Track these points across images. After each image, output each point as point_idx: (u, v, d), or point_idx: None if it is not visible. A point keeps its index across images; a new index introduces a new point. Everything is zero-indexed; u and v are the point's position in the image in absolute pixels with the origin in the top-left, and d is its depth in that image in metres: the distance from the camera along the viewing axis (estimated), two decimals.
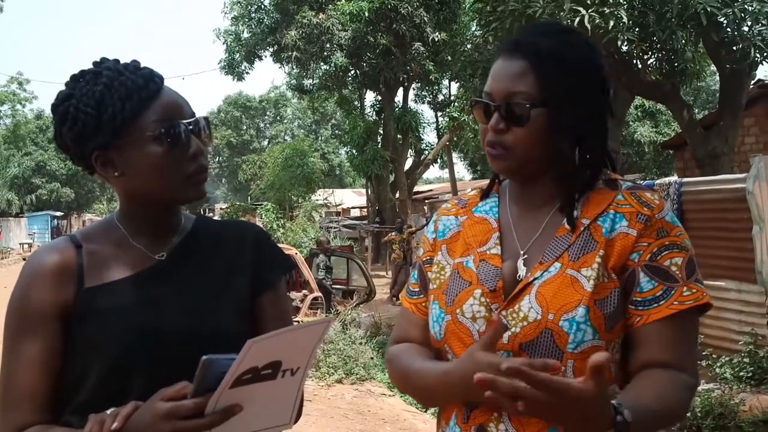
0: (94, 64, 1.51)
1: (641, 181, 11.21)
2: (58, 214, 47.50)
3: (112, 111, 1.42)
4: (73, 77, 1.50)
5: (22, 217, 46.76)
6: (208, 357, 1.17)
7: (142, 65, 1.52)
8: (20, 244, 40.51)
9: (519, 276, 1.45)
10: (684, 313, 1.38)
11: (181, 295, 1.49)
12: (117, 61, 1.52)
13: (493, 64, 1.51)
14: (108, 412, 1.26)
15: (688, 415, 5.71)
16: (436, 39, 22.61)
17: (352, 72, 24.91)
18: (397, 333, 1.68)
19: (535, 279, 1.42)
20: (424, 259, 1.66)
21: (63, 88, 1.49)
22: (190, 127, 1.48)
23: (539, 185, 1.51)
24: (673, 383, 1.35)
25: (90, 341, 1.42)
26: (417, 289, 1.66)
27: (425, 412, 7.22)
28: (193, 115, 1.51)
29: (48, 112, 1.56)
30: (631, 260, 1.41)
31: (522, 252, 1.48)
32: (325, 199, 29.71)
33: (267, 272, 1.61)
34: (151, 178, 1.46)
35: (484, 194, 1.64)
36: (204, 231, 1.62)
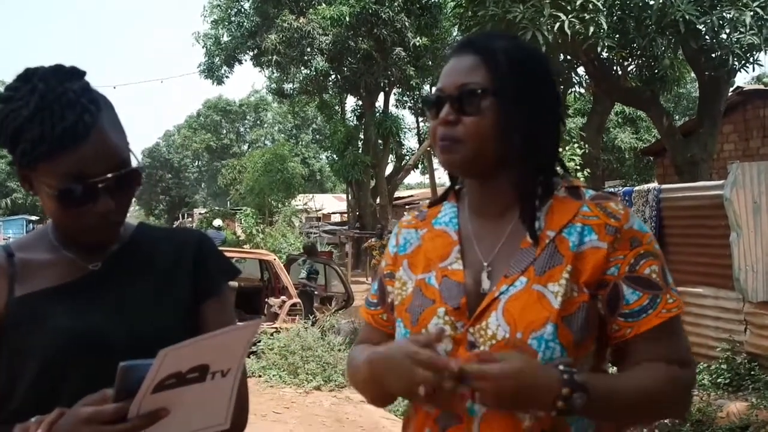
0: (40, 75, 1.38)
1: (621, 188, 11.28)
2: (34, 218, 46.86)
3: (23, 148, 1.35)
4: (22, 77, 1.39)
5: None
6: (125, 364, 1.18)
7: (88, 89, 1.40)
8: None
9: (483, 289, 1.42)
10: (671, 319, 1.39)
11: (115, 303, 1.47)
12: (61, 78, 1.38)
13: (445, 66, 1.51)
14: (32, 420, 1.25)
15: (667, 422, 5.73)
16: (417, 44, 22.66)
17: (333, 76, 24.92)
18: (361, 336, 1.71)
19: (500, 293, 1.38)
20: (386, 272, 1.64)
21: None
22: (102, 185, 1.37)
23: (496, 190, 1.48)
24: (655, 370, 1.36)
25: (21, 349, 1.40)
26: (375, 301, 1.66)
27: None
28: (118, 167, 1.39)
29: None
30: (609, 275, 1.38)
31: (485, 264, 1.45)
32: (305, 204, 29.65)
33: (210, 279, 1.57)
34: (52, 218, 1.45)
35: (439, 200, 1.62)
36: (144, 239, 1.58)
